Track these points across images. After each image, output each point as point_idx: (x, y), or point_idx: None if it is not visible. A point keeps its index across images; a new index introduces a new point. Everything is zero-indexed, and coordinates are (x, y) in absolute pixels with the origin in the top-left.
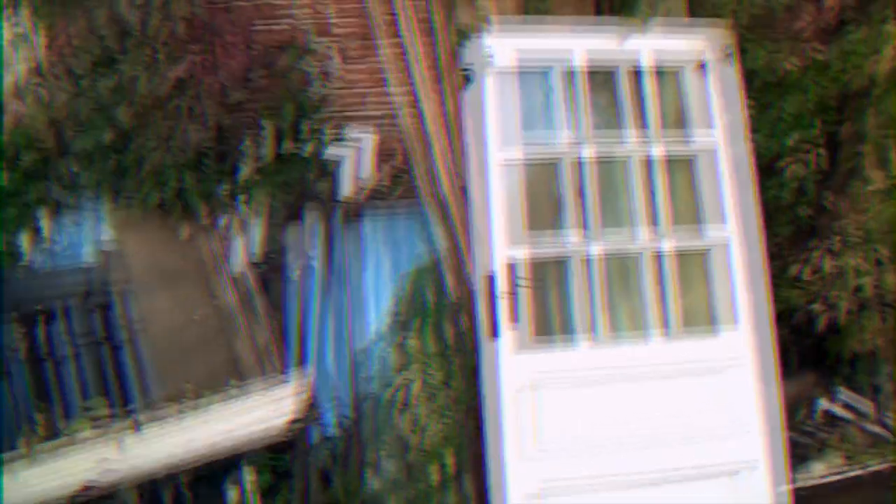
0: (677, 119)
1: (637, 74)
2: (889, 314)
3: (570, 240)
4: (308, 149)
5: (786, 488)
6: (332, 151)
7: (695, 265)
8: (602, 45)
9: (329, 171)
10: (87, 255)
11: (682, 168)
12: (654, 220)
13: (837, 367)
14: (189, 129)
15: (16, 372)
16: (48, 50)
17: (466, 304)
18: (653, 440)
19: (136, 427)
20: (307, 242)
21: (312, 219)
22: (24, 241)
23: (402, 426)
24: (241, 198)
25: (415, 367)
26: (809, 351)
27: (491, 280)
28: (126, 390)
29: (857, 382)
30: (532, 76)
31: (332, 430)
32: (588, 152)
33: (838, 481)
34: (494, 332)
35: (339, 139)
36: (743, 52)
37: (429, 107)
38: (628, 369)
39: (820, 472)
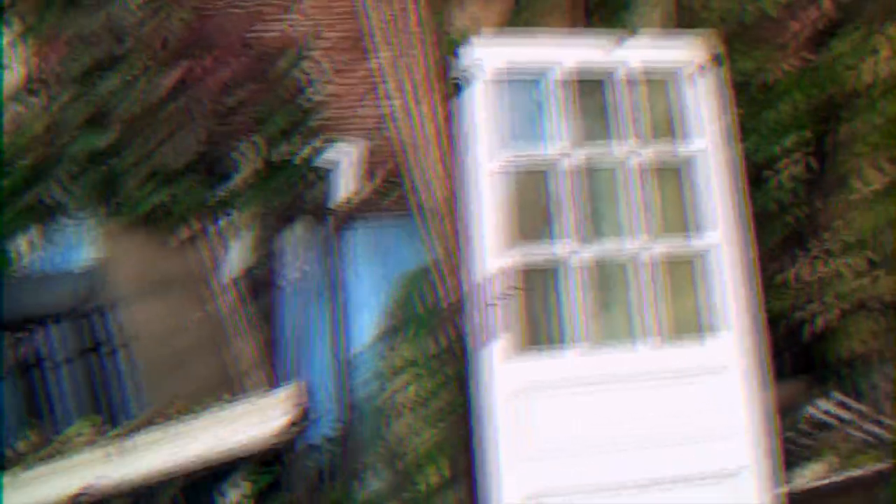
0: (667, 127)
1: (626, 83)
2: (883, 316)
3: (561, 247)
4: (299, 157)
5: (779, 491)
6: (323, 160)
7: (686, 271)
8: (591, 55)
9: (320, 179)
10: (78, 263)
11: (672, 176)
12: (645, 228)
13: (831, 370)
14: (180, 136)
15: (6, 380)
16: (38, 58)
17: (458, 311)
18: (646, 444)
19: (129, 435)
20: (298, 250)
21: (303, 227)
22: (15, 248)
23: (394, 433)
24: (233, 206)
25: (407, 374)
26: (803, 354)
27: (482, 288)
28: (117, 398)
29: (850, 385)
30: (522, 85)
31: (325, 438)
32: (578, 161)
33: (832, 484)
34: (485, 340)
35: (330, 147)
36: (731, 60)
37: (419, 116)
38: (620, 375)
39: (814, 474)
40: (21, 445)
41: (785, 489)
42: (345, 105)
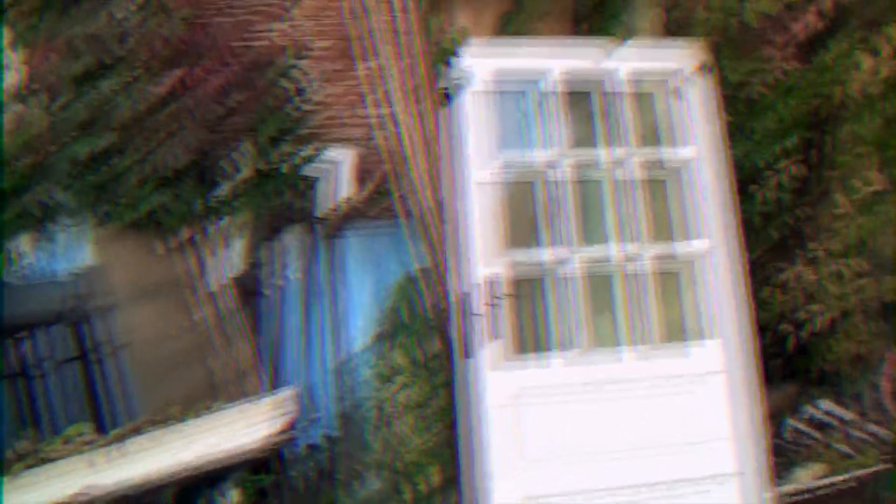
0: (655, 136)
1: (616, 92)
2: (875, 320)
3: (550, 256)
4: (288, 166)
5: (770, 496)
6: (311, 168)
7: (675, 279)
8: (580, 65)
9: (309, 187)
10: (71, 267)
11: (661, 184)
12: (634, 236)
13: (821, 375)
14: (172, 144)
15: None
16: (28, 67)
17: (447, 319)
18: (637, 451)
19: (120, 442)
20: (287, 258)
21: (292, 235)
22: (7, 253)
23: (385, 440)
24: (223, 213)
25: (398, 381)
26: (793, 360)
27: (466, 298)
28: (109, 404)
29: (841, 390)
30: (510, 95)
31: (316, 445)
32: (566, 170)
33: (822, 488)
34: (468, 350)
35: (318, 156)
36: (720, 69)
37: (408, 125)
38: (610, 383)
39: (804, 479)
40: (12, 451)
41: (776, 494)
42: (335, 113)
